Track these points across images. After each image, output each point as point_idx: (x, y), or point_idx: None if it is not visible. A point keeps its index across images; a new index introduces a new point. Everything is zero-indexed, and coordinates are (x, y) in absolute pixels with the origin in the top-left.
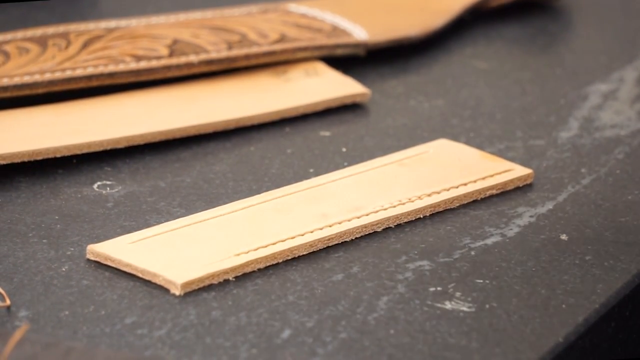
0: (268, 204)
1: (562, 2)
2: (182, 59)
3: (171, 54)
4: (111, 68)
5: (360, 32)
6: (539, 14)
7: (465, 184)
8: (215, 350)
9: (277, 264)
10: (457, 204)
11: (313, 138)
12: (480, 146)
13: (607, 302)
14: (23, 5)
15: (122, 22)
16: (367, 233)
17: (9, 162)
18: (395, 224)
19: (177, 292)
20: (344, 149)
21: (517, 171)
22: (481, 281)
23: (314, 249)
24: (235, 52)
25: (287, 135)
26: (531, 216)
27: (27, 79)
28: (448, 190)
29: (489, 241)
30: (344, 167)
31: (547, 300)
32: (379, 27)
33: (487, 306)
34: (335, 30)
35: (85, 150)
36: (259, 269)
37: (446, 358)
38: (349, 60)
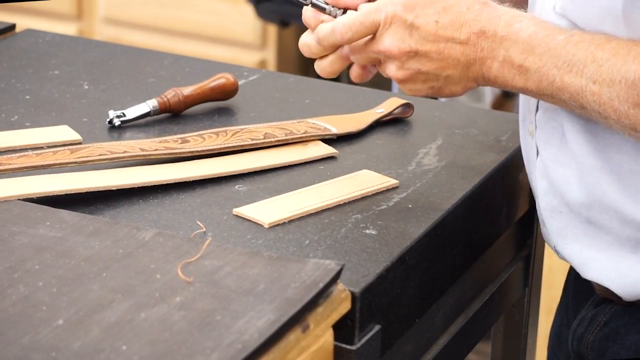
0: (301, 193)
1: (411, 117)
2: (268, 140)
3: (264, 138)
4: (240, 143)
5: (334, 129)
6: (397, 121)
7: (373, 186)
8: (279, 249)
9: (304, 216)
10: (372, 194)
11: (317, 170)
12: (379, 172)
13: (422, 232)
14: (216, 113)
15: (246, 126)
16: (335, 206)
17: (196, 179)
18: (346, 202)
19: (265, 226)
20: (328, 173)
21: (392, 182)
22: (379, 222)
23: (317, 211)
24: (288, 137)
25: (308, 169)
26: (399, 198)
27: (210, 147)
28: (367, 188)
29: (382, 207)
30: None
31: (400, 230)
32: (340, 127)
33: (382, 231)
34: (325, 128)
35: (232, 174)
36: (297, 218)
37: (366, 250)
38: (330, 140)
